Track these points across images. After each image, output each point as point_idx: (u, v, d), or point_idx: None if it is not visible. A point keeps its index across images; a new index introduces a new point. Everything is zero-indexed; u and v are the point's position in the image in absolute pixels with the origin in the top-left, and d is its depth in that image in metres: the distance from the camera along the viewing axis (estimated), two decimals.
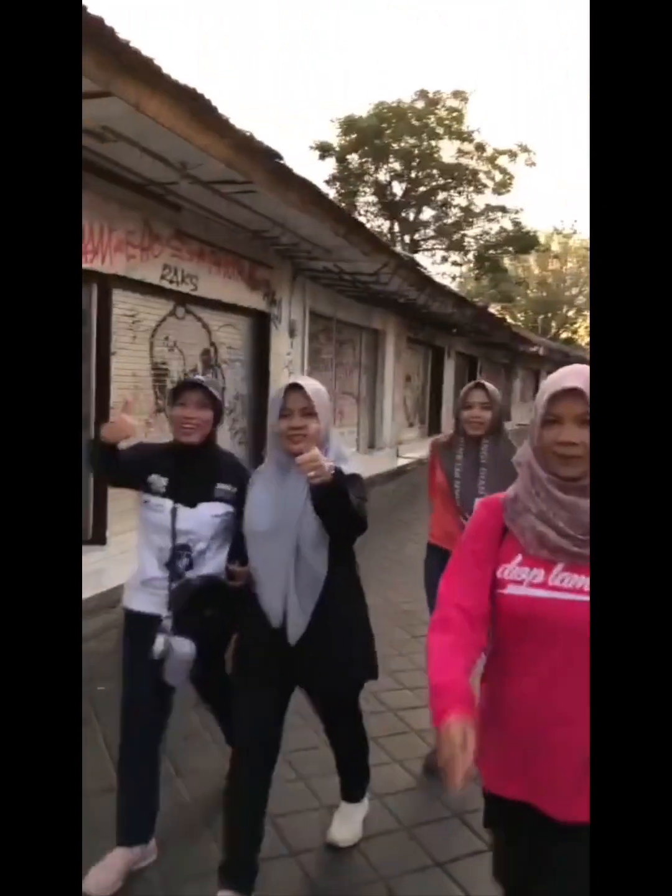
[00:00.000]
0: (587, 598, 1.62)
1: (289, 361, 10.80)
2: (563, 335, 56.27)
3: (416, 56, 72.71)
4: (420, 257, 31.86)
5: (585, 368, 1.73)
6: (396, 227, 32.03)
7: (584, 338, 61.32)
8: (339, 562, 2.66)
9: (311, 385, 2.67)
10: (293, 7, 75.61)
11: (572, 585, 1.72)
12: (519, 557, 1.81)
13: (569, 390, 1.73)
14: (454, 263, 33.86)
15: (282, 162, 5.96)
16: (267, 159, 5.87)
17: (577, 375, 1.75)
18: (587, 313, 60.28)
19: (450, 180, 31.33)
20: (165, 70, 4.46)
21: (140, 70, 4.29)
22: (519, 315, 53.97)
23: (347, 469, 2.57)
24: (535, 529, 1.77)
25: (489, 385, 3.81)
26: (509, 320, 38.23)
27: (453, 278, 34.62)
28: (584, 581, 1.71)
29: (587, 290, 57.07)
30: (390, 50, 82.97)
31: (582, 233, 50.73)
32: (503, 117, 73.03)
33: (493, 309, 34.07)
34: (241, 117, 5.44)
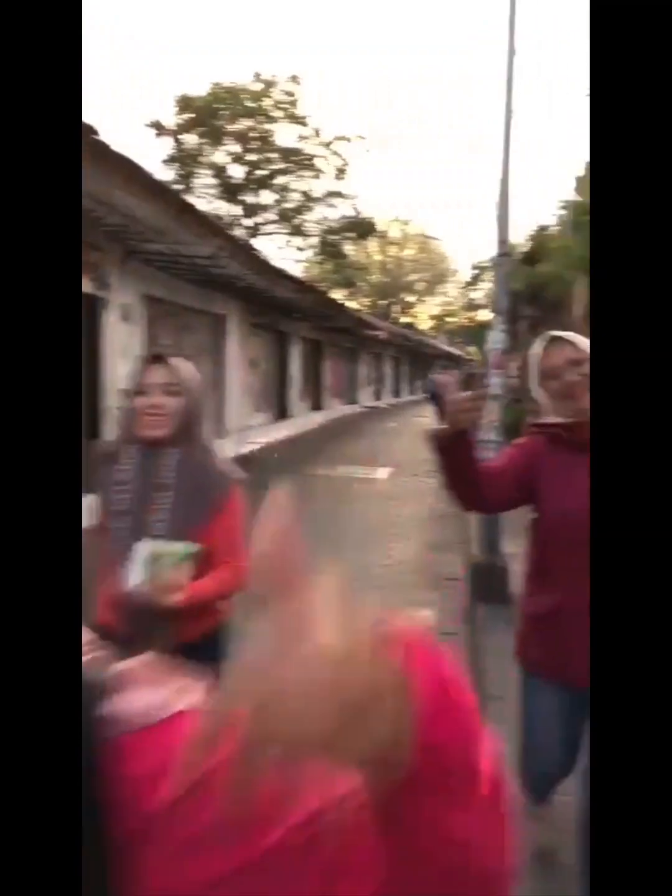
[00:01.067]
0: None
1: (124, 348, 10.40)
2: (404, 320, 57.67)
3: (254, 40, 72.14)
4: (263, 242, 31.83)
5: None
6: (241, 211, 31.74)
7: (424, 322, 63.21)
8: None
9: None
10: None
11: None
12: None
13: None
14: (298, 248, 34.00)
15: (98, 138, 5.65)
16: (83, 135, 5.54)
17: None
18: (426, 299, 62.30)
19: (289, 164, 31.36)
20: None
21: None
22: (363, 301, 54.95)
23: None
24: None
25: (175, 359, 2.35)
26: (354, 306, 38.79)
27: (297, 263, 34.70)
28: None
29: (426, 275, 59.01)
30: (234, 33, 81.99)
31: (418, 220, 52.18)
32: (338, 103, 73.77)
33: (337, 294, 34.39)
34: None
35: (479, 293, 31.98)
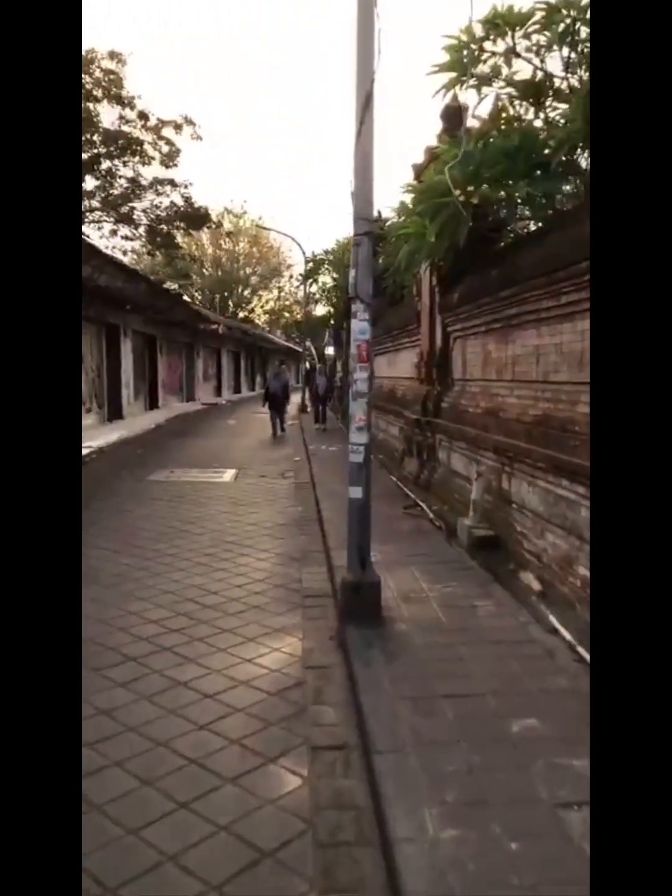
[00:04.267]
0: None
1: None
2: (240, 314, 56.72)
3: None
4: (88, 230, 30.08)
5: None
6: None
7: (260, 316, 62.48)
8: None
9: None
10: None
11: None
12: None
13: None
14: (125, 237, 32.27)
15: None
16: None
17: None
18: (261, 293, 61.58)
19: (113, 148, 29.74)
20: None
21: None
22: (196, 294, 53.75)
23: None
24: None
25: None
26: (188, 300, 37.53)
27: (125, 253, 32.94)
28: None
29: (260, 269, 58.29)
30: None
31: (251, 213, 51.12)
32: (164, 87, 70.97)
33: (170, 287, 32.98)
34: None
35: (315, 287, 31.29)
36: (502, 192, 7.04)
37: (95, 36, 64.03)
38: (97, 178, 30.46)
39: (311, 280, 30.83)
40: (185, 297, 37.47)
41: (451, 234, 6.95)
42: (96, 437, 15.73)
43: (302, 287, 34.29)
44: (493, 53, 7.53)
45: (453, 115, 10.43)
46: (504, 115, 7.81)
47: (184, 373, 33.45)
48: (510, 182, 6.80)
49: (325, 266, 28.83)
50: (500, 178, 6.74)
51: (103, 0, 62.14)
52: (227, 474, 13.21)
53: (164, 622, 5.48)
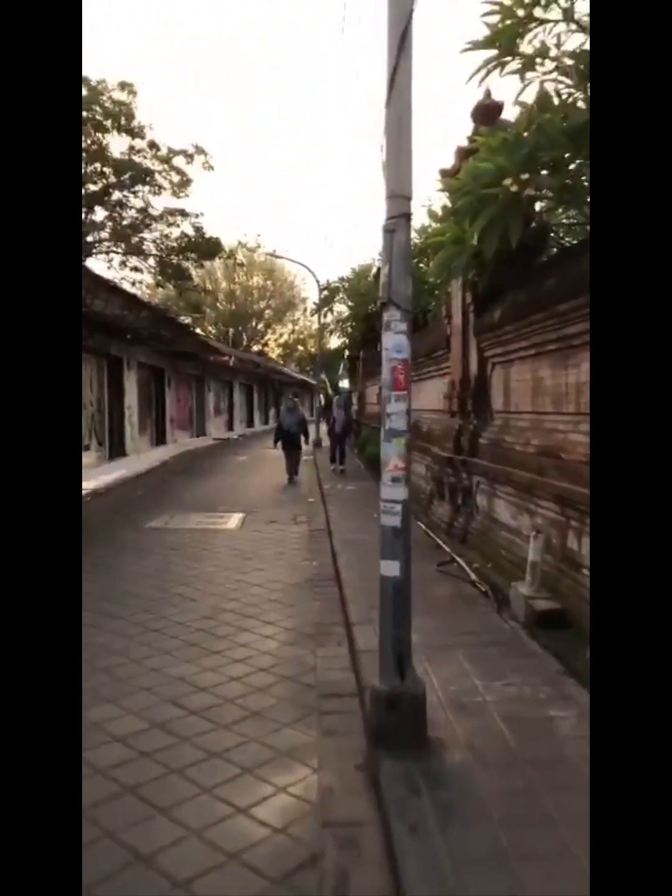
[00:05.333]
0: None
1: None
2: (255, 348, 55.81)
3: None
4: (96, 262, 29.17)
5: None
6: None
7: (274, 350, 61.56)
8: None
9: None
10: None
11: None
12: None
13: None
14: (134, 269, 31.23)
15: None
16: None
17: None
18: (275, 327, 60.83)
19: (123, 179, 28.86)
20: None
21: None
22: (210, 328, 52.97)
23: None
24: None
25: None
26: (199, 332, 36.55)
27: (133, 284, 31.92)
28: None
29: (274, 303, 57.53)
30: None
31: (265, 246, 50.16)
32: (163, 87, 70.38)
33: (183, 321, 31.93)
34: None
35: (330, 317, 30.17)
36: (565, 180, 5.71)
37: (95, 36, 63.97)
38: (107, 210, 29.59)
39: (325, 310, 29.75)
40: (198, 331, 36.47)
41: (502, 233, 5.62)
42: (93, 477, 14.45)
43: (316, 317, 33.27)
44: (544, 22, 6.26)
45: (487, 113, 9.18)
46: (550, 104, 6.51)
47: (194, 407, 32.29)
48: (573, 167, 5.49)
49: (340, 295, 27.70)
50: (562, 163, 5.43)
51: (103, 0, 61.87)
52: (232, 520, 11.83)
53: (132, 740, 4.08)
